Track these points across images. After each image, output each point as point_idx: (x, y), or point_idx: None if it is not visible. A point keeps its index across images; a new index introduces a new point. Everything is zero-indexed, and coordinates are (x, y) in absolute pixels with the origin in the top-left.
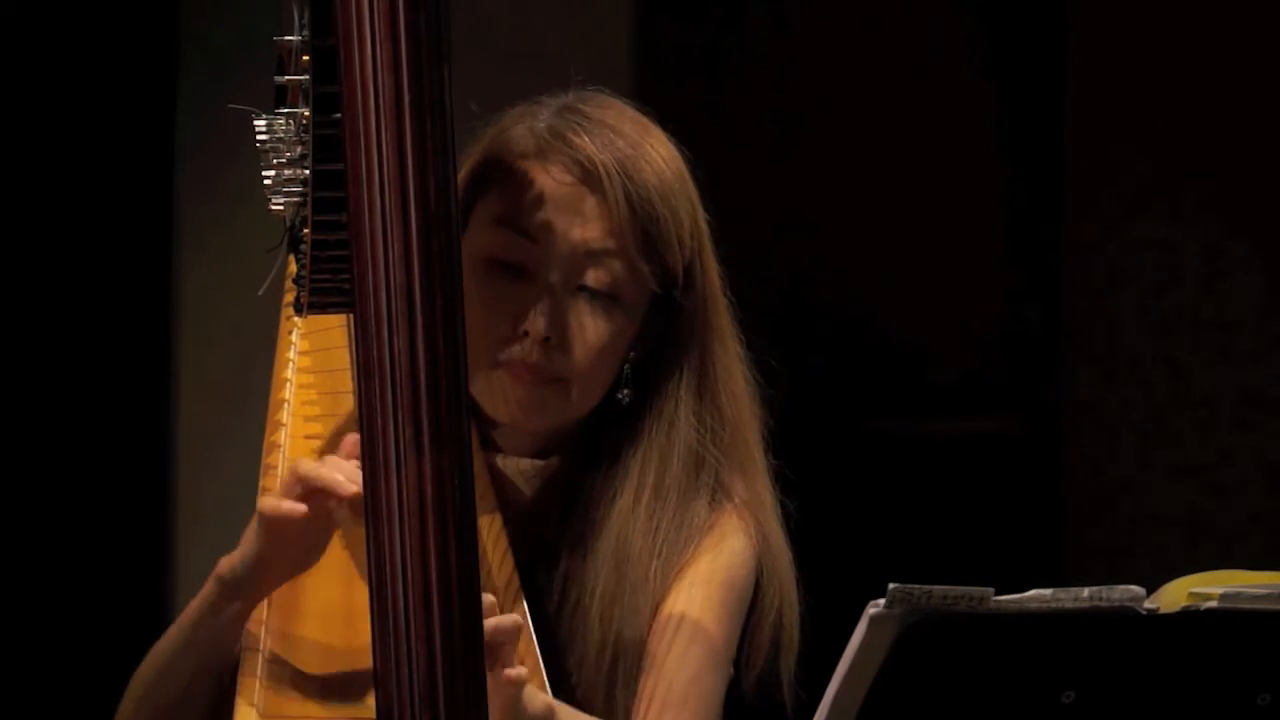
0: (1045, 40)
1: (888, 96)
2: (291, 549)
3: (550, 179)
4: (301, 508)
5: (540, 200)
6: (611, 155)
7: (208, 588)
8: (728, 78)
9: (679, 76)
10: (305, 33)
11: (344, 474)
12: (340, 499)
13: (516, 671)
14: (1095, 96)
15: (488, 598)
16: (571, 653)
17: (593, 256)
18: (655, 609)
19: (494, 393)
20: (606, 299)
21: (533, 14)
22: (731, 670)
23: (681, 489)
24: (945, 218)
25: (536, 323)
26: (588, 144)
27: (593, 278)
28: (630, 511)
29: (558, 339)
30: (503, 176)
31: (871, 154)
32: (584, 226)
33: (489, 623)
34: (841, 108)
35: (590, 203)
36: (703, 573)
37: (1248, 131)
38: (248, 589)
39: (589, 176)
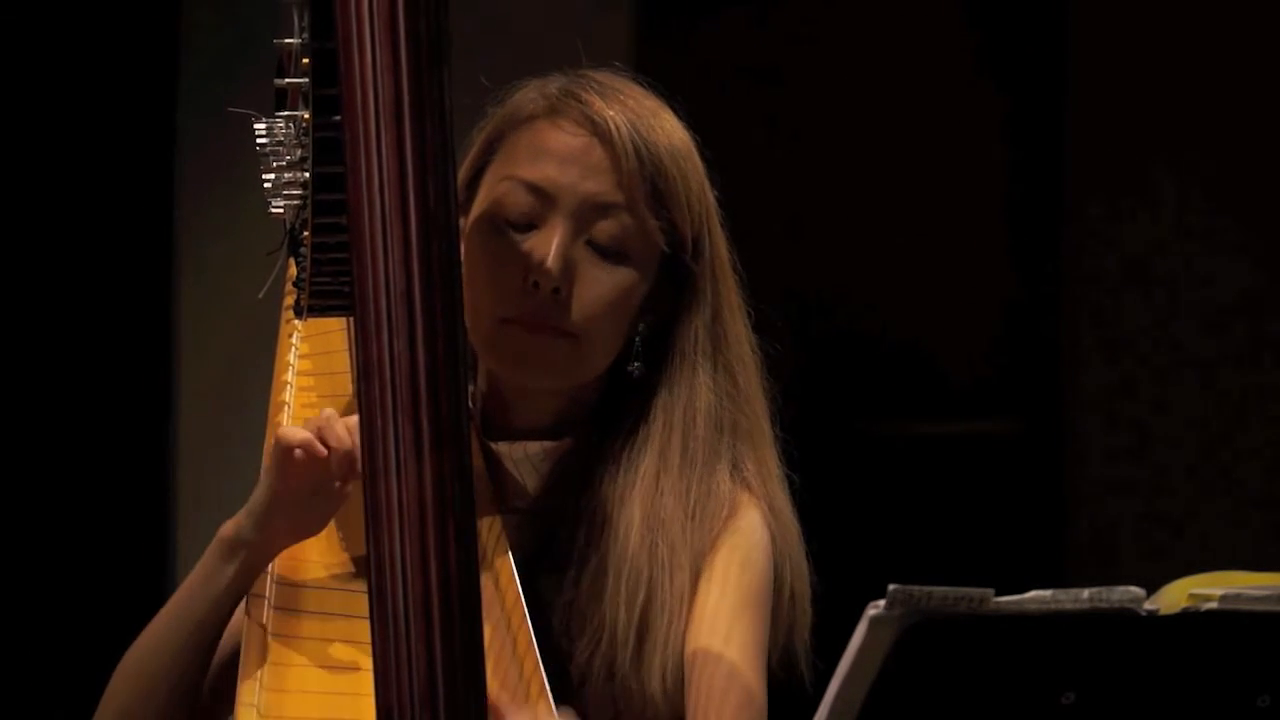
0: (1046, 40)
1: (888, 97)
2: (298, 502)
3: (560, 133)
4: (316, 443)
5: (550, 154)
6: (621, 112)
7: (208, 552)
8: (728, 77)
9: (679, 73)
10: (305, 35)
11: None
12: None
13: None
14: (1096, 97)
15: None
16: (590, 624)
17: (602, 209)
18: (695, 573)
19: (502, 348)
20: (615, 253)
21: (533, 15)
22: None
23: (708, 452)
24: (945, 218)
25: (546, 274)
26: (598, 100)
27: (602, 230)
28: (657, 477)
29: (567, 290)
30: (513, 137)
31: (872, 154)
32: (593, 179)
33: None
34: (843, 108)
35: (599, 155)
36: (719, 568)
37: (1250, 129)
38: (252, 547)
39: (599, 131)
